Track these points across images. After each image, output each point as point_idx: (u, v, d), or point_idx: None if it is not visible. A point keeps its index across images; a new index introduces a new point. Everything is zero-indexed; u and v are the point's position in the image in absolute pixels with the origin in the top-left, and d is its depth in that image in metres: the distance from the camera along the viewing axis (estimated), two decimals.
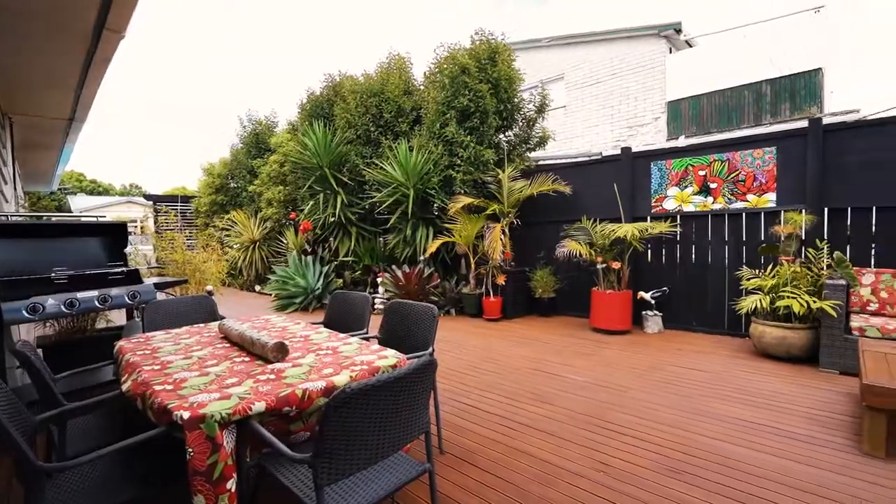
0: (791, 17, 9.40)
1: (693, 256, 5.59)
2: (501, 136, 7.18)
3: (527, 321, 6.46)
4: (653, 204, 5.82)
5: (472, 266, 6.80)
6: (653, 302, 5.54)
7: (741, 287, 4.86)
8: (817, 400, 3.36)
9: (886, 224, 4.37)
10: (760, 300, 4.31)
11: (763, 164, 4.98)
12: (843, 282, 3.94)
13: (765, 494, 2.21)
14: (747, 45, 9.84)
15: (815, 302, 3.91)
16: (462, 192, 6.65)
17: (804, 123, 4.77)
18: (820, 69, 9.02)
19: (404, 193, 6.94)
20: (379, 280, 7.44)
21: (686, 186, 5.54)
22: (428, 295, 6.83)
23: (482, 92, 6.47)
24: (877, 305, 4.12)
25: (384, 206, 7.34)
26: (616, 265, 5.46)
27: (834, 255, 4.19)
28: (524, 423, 3.09)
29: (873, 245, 4.45)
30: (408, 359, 2.13)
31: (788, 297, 4.10)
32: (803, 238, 4.63)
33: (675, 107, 10.62)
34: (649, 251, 5.92)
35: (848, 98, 10.17)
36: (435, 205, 6.97)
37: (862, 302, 4.16)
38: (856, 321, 3.89)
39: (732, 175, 5.19)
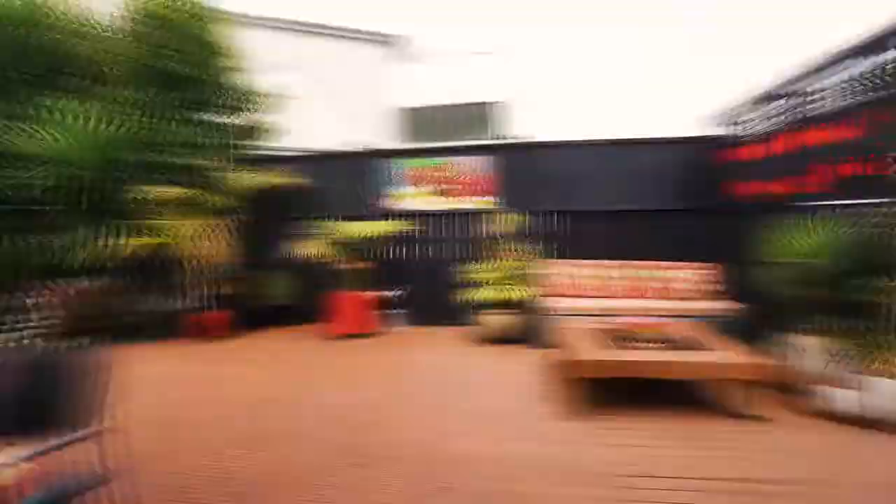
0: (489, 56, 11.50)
1: (431, 253, 5.89)
2: (224, 117, 5.97)
3: (262, 336, 5.54)
4: (392, 202, 5.87)
5: (189, 274, 5.40)
6: (396, 301, 5.57)
7: (473, 280, 5.36)
8: (532, 374, 3.86)
9: (568, 223, 5.55)
10: (486, 292, 4.78)
11: (484, 170, 5.62)
12: (545, 272, 4.73)
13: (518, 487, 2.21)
14: (468, 70, 11.47)
15: (528, 291, 4.56)
16: (170, 180, 5.17)
17: (514, 140, 5.62)
18: (503, 102, 11.31)
19: (77, 175, 4.91)
20: (34, 303, 5.08)
21: (423, 186, 5.79)
22: (119, 318, 5.04)
23: (195, 57, 5.17)
24: (563, 289, 5.13)
25: (40, 191, 5.03)
26: (359, 265, 5.21)
27: (538, 249, 5.02)
28: (266, 479, 2.36)
29: (559, 240, 5.58)
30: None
31: (509, 288, 4.67)
32: (517, 235, 5.42)
33: (407, 114, 11.48)
34: (391, 250, 5.95)
35: (534, 125, 13.27)
36: (129, 195, 5.20)
37: (554, 287, 5.12)
38: (551, 303, 4.73)
39: (462, 178, 5.69)
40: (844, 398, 2.89)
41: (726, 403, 3.17)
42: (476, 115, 11.31)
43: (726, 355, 3.02)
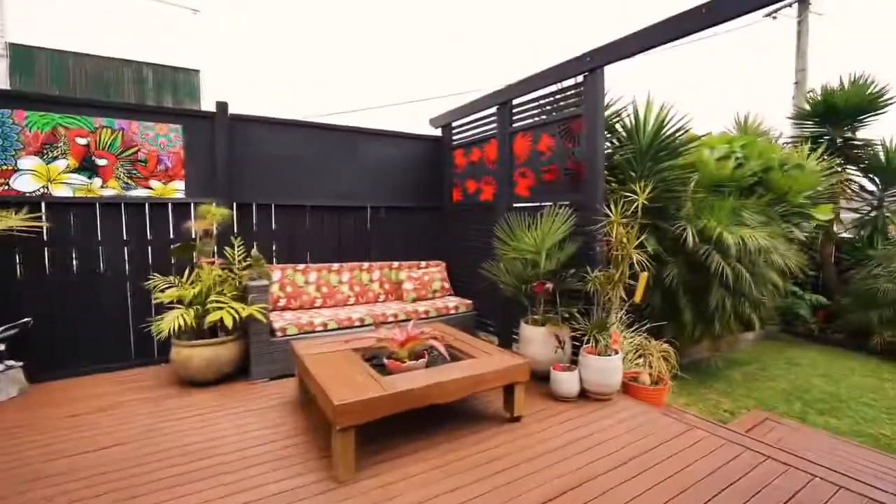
0: (173, 7, 8.92)
1: (75, 264, 3.75)
2: None
3: None
4: None
5: None
6: (2, 347, 3.26)
7: (155, 301, 3.67)
8: (269, 428, 2.79)
9: (285, 220, 4.55)
10: (183, 316, 3.30)
11: (168, 143, 3.96)
12: (265, 282, 3.64)
13: None
14: (131, 17, 8.45)
15: (244, 308, 3.37)
16: None
17: (217, 111, 4.17)
18: (198, 70, 9.10)
19: None
20: None
21: (56, 158, 3.61)
22: None
23: None
24: (285, 300, 4.16)
25: None
26: None
27: (252, 253, 3.85)
28: None
29: (274, 241, 4.53)
30: None
31: (216, 307, 3.34)
32: (221, 235, 4.03)
33: (25, 53, 7.55)
34: None
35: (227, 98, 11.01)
36: None
37: (274, 299, 4.07)
38: (277, 321, 3.70)
39: (130, 152, 3.84)
40: (568, 380, 3.20)
41: (492, 407, 3.06)
42: (153, 79, 8.59)
43: (492, 361, 2.86)
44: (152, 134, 3.89)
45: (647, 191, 3.22)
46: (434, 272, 4.88)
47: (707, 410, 4.18)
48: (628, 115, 4.55)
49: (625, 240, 3.15)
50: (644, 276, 3.26)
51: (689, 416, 3.14)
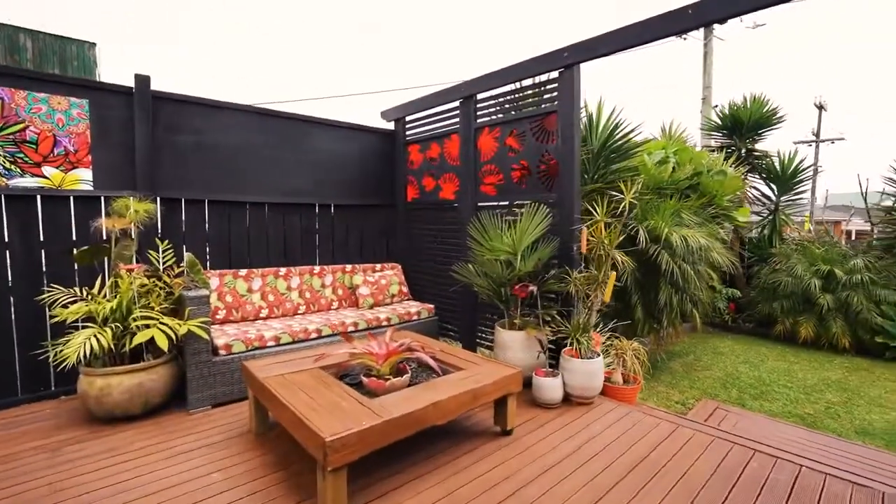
0: None
1: None
2: None
3: None
4: None
5: None
6: None
7: (53, 320, 2.88)
8: (223, 470, 2.26)
9: (221, 218, 3.89)
10: (97, 337, 2.61)
11: (70, 121, 3.15)
12: (204, 291, 3.02)
13: None
14: None
15: (180, 325, 2.75)
16: None
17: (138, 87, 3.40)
18: (95, 44, 7.72)
19: None
20: None
21: None
22: None
23: None
24: (225, 312, 3.54)
25: None
26: None
27: (186, 258, 3.20)
28: None
29: (207, 243, 3.85)
30: None
31: (143, 324, 2.68)
32: (139, 236, 3.30)
33: None
34: None
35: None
36: None
37: (211, 311, 3.43)
38: (219, 337, 3.10)
39: (12, 129, 2.98)
40: (553, 385, 3.04)
41: (479, 421, 2.79)
42: (34, 48, 7.11)
43: (484, 372, 2.59)
44: (45, 108, 3.07)
45: (633, 190, 3.17)
46: (391, 275, 4.50)
47: (661, 403, 4.29)
48: (584, 117, 4.55)
49: (606, 240, 3.07)
50: (613, 275, 3.20)
51: (667, 413, 3.13)
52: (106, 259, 3.12)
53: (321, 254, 4.48)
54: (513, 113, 3.81)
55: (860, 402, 4.59)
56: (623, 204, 3.13)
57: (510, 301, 3.37)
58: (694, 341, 6.58)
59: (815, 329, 6.31)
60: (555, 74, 3.43)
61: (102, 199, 3.27)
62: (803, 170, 7.66)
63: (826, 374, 5.39)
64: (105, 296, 2.88)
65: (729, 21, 9.61)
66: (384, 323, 3.86)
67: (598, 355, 3.12)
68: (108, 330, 2.70)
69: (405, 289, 4.55)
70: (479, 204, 4.08)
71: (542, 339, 3.18)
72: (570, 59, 3.26)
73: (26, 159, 3.02)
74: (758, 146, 8.10)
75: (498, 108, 3.97)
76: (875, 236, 7.40)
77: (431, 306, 4.33)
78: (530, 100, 3.72)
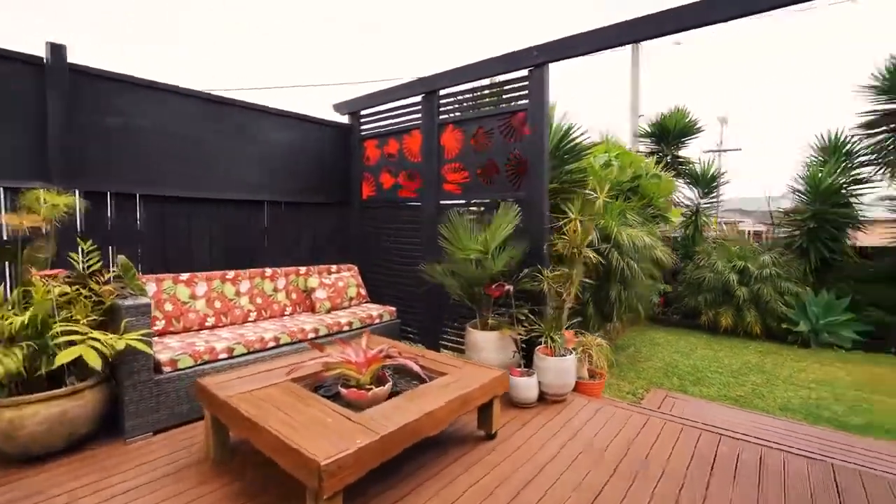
0: None
1: None
2: None
3: None
4: None
5: None
6: None
7: None
8: None
9: (155, 215, 3.40)
10: (3, 359, 2.12)
11: None
12: (144, 300, 2.60)
13: None
14: None
15: (116, 339, 2.32)
16: None
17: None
18: None
19: None
20: None
21: None
22: None
23: None
24: (164, 322, 3.10)
25: None
26: None
27: (119, 261, 2.73)
28: None
29: (139, 244, 3.35)
30: None
31: (68, 340, 2.22)
32: (56, 236, 2.77)
33: None
34: None
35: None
36: None
37: (158, 322, 2.97)
38: (162, 352, 2.69)
39: None
40: (529, 385, 3.01)
41: (462, 425, 2.66)
42: None
43: (468, 375, 2.48)
44: None
45: (606, 190, 3.24)
46: (347, 277, 4.23)
47: (615, 394, 4.47)
48: None
49: (579, 239, 3.10)
50: (575, 273, 3.26)
51: (635, 406, 3.24)
52: (10, 264, 2.58)
53: (272, 255, 4.10)
54: (480, 110, 3.74)
55: (777, 382, 5.12)
56: (598, 203, 3.18)
57: (482, 301, 3.29)
58: (633, 334, 6.98)
59: (734, 318, 6.97)
60: (524, 73, 3.41)
61: (3, 190, 2.70)
62: (719, 175, 8.47)
63: (746, 359, 5.97)
64: (13, 308, 2.36)
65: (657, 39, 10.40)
66: (346, 328, 3.61)
67: (572, 353, 3.15)
68: (17, 350, 2.21)
69: (363, 291, 4.31)
70: (442, 202, 3.97)
71: (516, 339, 3.14)
72: (539, 59, 3.26)
73: None
74: (681, 153, 8.82)
75: (464, 104, 3.89)
76: (776, 236, 8.36)
77: (393, 308, 4.13)
78: (495, 98, 3.67)
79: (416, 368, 2.32)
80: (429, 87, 3.95)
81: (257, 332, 3.15)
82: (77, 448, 2.35)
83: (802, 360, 5.96)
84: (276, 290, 3.80)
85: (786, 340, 6.66)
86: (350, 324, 3.67)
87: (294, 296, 3.90)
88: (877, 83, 6.80)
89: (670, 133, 8.52)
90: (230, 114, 3.79)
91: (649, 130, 8.84)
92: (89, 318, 2.45)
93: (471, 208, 3.85)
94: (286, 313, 3.80)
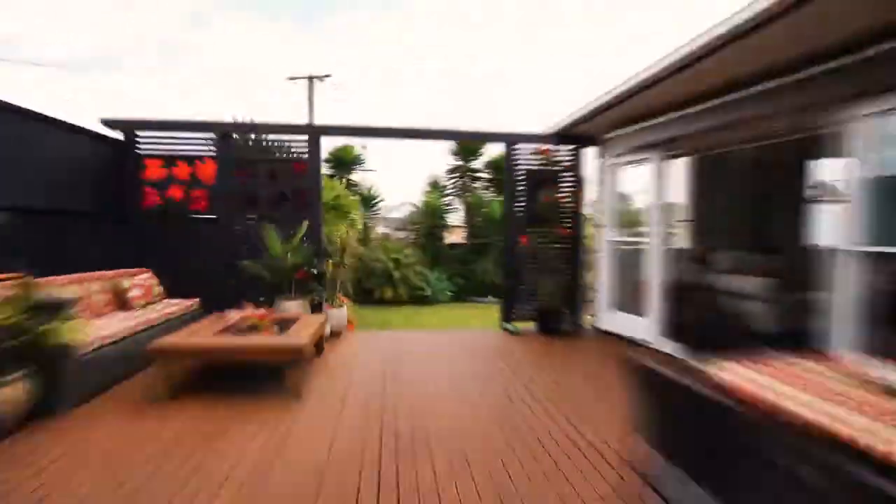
0: None
1: None
2: None
3: None
4: None
5: None
6: None
7: None
8: None
9: None
10: None
11: None
12: None
13: None
14: None
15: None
16: None
17: None
18: None
19: None
20: None
21: None
22: None
23: None
24: None
25: None
26: None
27: None
28: None
29: None
30: None
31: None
32: None
33: None
34: None
35: None
36: None
37: None
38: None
39: None
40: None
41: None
42: None
43: (315, 317, 4.48)
44: None
45: (372, 208, 5.72)
46: (147, 278, 4.94)
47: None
48: None
49: (346, 244, 5.52)
50: (331, 262, 5.72)
51: (367, 333, 5.95)
52: None
53: (65, 263, 4.35)
54: (272, 154, 5.48)
55: (421, 319, 9.09)
56: (357, 221, 5.67)
57: (288, 283, 5.18)
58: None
59: (394, 292, 10.90)
60: (306, 137, 5.48)
61: None
62: (378, 196, 12.45)
63: (404, 313, 9.84)
64: None
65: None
66: (176, 314, 4.61)
67: (343, 307, 5.54)
68: None
69: (161, 289, 5.10)
70: (248, 216, 5.43)
71: (314, 301, 5.26)
72: (315, 133, 5.44)
73: None
74: (353, 177, 12.29)
75: (255, 147, 5.49)
76: (408, 238, 13.08)
77: (197, 299, 5.19)
78: (288, 148, 5.54)
79: (291, 316, 4.19)
80: (225, 131, 5.32)
81: (129, 324, 3.88)
82: None
83: (429, 308, 10.39)
84: (92, 291, 4.25)
85: (421, 302, 11.10)
86: (175, 312, 4.66)
87: (110, 296, 4.42)
88: (455, 149, 12.26)
89: (345, 161, 11.82)
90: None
91: (332, 158, 11.86)
92: None
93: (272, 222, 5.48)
94: (106, 312, 4.33)
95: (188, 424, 2.97)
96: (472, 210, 12.21)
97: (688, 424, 1.53)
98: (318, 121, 14.25)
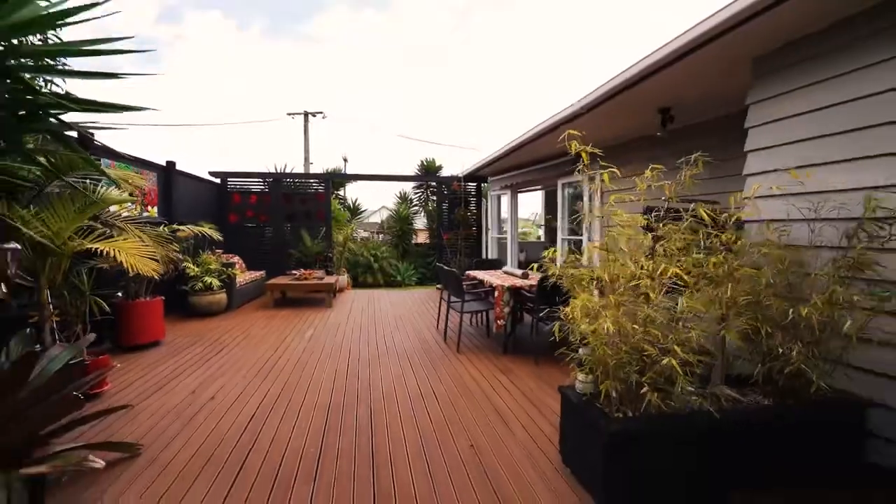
0: None
1: None
2: None
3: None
4: None
5: None
6: None
7: None
8: None
9: None
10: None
11: None
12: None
13: None
14: None
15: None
16: None
17: None
18: None
19: None
20: None
21: None
22: None
23: None
24: None
25: None
26: None
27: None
28: None
29: None
30: None
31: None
32: None
33: None
34: None
35: None
36: None
37: None
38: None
39: None
40: (336, 285, 9.91)
41: (324, 300, 9.23)
42: None
43: (330, 279, 9.19)
44: None
45: (356, 216, 10.43)
46: (239, 260, 9.56)
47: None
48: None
49: (347, 239, 10.24)
50: (337, 250, 10.42)
51: (358, 290, 10.66)
52: None
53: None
54: (300, 191, 10.18)
55: (392, 293, 13.78)
56: (344, 224, 10.37)
57: (313, 261, 9.86)
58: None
59: (374, 278, 15.58)
60: (323, 182, 10.17)
61: None
62: (360, 207, 17.13)
63: (390, 295, 14.53)
64: None
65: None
66: (257, 277, 9.24)
67: (344, 275, 10.24)
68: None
69: (244, 265, 9.72)
70: (288, 225, 10.09)
71: (328, 271, 9.96)
72: (328, 179, 10.14)
73: None
74: (341, 192, 16.95)
75: (296, 185, 10.18)
76: (385, 238, 17.77)
77: (263, 271, 9.81)
78: (312, 186, 10.23)
79: (319, 275, 8.89)
80: (274, 178, 9.99)
81: (247, 275, 8.51)
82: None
83: (402, 291, 15.12)
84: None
85: (394, 285, 15.80)
86: (255, 276, 9.28)
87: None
88: (419, 168, 17.04)
89: (335, 182, 16.48)
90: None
91: (324, 173, 16.49)
92: None
93: (307, 228, 10.13)
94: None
95: (284, 314, 7.64)
96: (431, 218, 16.98)
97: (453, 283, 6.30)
98: (311, 144, 18.78)
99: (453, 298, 5.79)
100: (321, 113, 21.19)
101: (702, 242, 2.61)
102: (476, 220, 11.12)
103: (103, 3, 1.70)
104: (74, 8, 1.69)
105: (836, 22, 2.75)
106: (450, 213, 11.21)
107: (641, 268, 2.38)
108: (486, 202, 11.08)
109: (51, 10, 1.73)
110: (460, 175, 10.74)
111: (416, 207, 17.48)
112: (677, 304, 2.37)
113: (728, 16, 2.78)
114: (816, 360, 2.47)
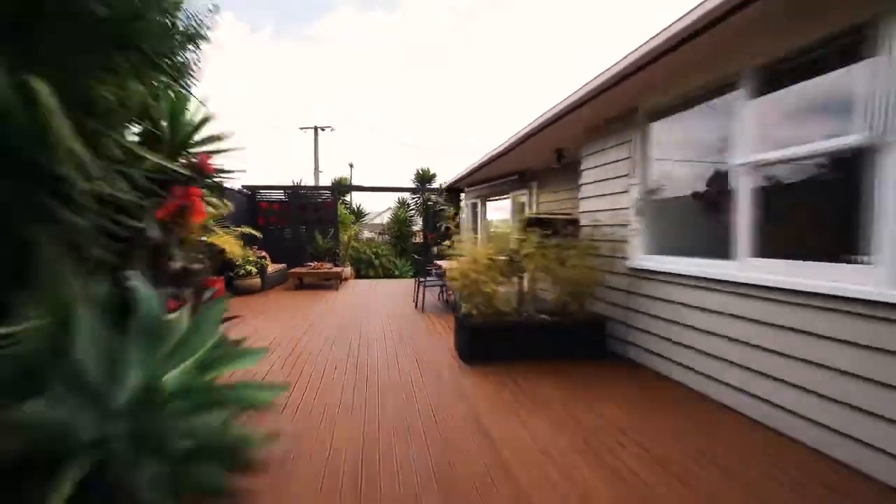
0: None
1: None
2: None
3: None
4: None
5: None
6: None
7: None
8: None
9: None
10: None
11: None
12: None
13: None
14: None
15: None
16: None
17: None
18: None
19: None
20: None
21: None
22: None
23: None
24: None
25: None
26: None
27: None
28: None
29: None
30: None
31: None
32: None
33: None
34: None
35: None
36: None
37: None
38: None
39: None
40: (343, 274, 12.46)
41: (334, 285, 11.77)
42: None
43: (338, 269, 11.76)
44: None
45: (360, 219, 12.97)
46: (266, 254, 12.13)
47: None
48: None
49: (351, 239, 12.78)
50: (343, 248, 12.96)
51: (363, 280, 13.21)
52: None
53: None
54: (312, 199, 12.76)
55: (389, 283, 16.30)
56: (349, 226, 12.91)
57: (324, 256, 12.41)
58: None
59: (374, 272, 18.12)
60: (330, 193, 12.73)
61: None
62: (362, 211, 19.70)
63: (385, 283, 17.06)
64: None
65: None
66: (280, 269, 11.80)
67: (349, 267, 12.79)
68: None
69: (269, 260, 12.29)
70: (303, 227, 12.66)
71: (336, 264, 12.53)
72: (336, 191, 12.69)
73: None
74: (346, 198, 19.52)
75: (308, 196, 12.76)
76: (385, 238, 20.31)
77: (284, 264, 12.37)
78: (321, 195, 12.80)
79: (329, 266, 11.44)
80: (292, 189, 12.57)
81: (275, 266, 11.09)
82: None
83: (396, 280, 17.66)
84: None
85: (391, 276, 18.32)
86: (278, 268, 11.84)
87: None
88: (415, 177, 19.57)
89: (342, 189, 19.06)
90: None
91: (332, 185, 19.07)
92: None
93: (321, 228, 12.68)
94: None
95: (304, 293, 10.18)
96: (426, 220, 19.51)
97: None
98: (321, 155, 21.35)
99: (428, 280, 8.35)
100: (330, 127, 23.89)
101: (557, 237, 5.11)
102: (455, 223, 13.67)
103: None
104: None
105: (606, 119, 5.24)
106: (434, 217, 13.74)
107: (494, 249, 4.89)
108: (465, 209, 13.59)
109: None
110: (443, 187, 13.24)
111: (413, 211, 20.08)
112: (512, 268, 4.87)
113: (570, 103, 5.33)
114: (584, 297, 4.95)
